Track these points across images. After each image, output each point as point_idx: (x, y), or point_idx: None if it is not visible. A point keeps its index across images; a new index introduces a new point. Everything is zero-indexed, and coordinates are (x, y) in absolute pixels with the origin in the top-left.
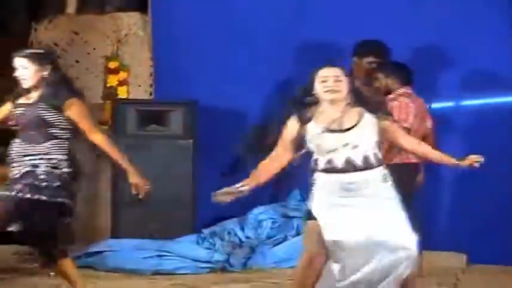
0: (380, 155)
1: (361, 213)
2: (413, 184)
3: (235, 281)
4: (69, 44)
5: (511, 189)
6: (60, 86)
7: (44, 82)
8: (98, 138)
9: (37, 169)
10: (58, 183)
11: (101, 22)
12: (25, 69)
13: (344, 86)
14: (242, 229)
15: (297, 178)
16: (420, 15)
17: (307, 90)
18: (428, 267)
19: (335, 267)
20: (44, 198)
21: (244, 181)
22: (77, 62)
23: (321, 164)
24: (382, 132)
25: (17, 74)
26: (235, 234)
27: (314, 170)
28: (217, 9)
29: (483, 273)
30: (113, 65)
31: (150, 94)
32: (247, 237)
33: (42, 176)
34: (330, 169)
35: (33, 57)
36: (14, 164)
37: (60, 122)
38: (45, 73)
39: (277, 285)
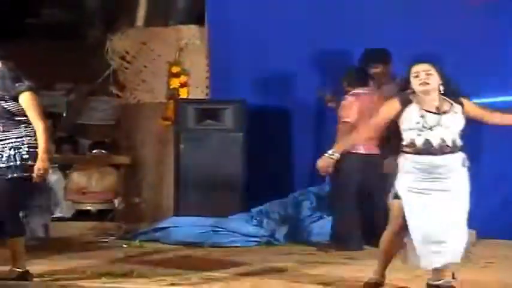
0: (461, 142)
1: (442, 198)
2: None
3: (280, 252)
4: (138, 52)
5: None
6: (11, 78)
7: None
8: (39, 125)
9: (20, 150)
10: (33, 162)
11: (165, 33)
12: None
13: (434, 78)
14: (285, 209)
15: None
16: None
17: (406, 83)
18: None
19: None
20: (26, 175)
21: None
22: (145, 67)
23: (419, 144)
24: (468, 112)
25: None
26: (279, 213)
27: (403, 152)
28: (263, 21)
29: (491, 247)
30: (175, 69)
31: (206, 94)
32: (289, 216)
33: (25, 156)
34: (424, 150)
35: None
36: None
37: (20, 110)
38: None
39: (314, 255)
